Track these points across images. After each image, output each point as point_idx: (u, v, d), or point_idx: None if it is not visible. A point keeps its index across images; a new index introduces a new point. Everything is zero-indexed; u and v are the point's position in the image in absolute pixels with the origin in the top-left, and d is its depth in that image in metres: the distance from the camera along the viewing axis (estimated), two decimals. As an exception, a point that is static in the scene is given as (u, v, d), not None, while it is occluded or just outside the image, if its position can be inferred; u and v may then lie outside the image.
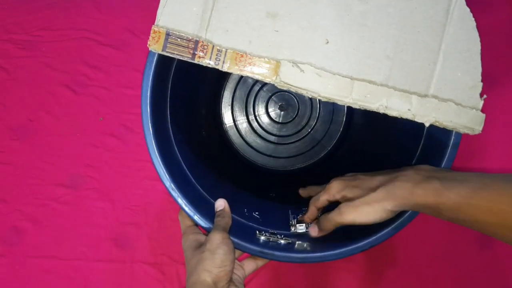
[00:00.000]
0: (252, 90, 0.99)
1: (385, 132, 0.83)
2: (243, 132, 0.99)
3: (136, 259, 0.93)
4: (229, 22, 0.58)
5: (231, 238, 0.62)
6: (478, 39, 0.58)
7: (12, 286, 0.91)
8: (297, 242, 0.65)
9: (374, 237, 0.63)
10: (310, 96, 0.59)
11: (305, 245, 0.65)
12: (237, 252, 0.66)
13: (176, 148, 0.69)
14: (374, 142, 0.88)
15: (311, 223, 0.70)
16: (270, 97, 0.98)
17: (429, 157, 0.67)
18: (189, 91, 0.81)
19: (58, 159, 0.96)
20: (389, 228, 0.63)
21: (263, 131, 0.99)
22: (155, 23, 0.58)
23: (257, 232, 0.67)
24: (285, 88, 0.59)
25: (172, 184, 0.63)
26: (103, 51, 0.99)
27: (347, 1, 0.58)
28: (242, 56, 0.58)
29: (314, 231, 0.66)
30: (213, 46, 0.58)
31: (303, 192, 0.77)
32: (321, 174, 0.77)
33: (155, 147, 0.63)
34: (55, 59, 0.99)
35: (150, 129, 0.62)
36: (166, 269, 0.93)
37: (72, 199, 0.95)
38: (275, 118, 0.99)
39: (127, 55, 0.99)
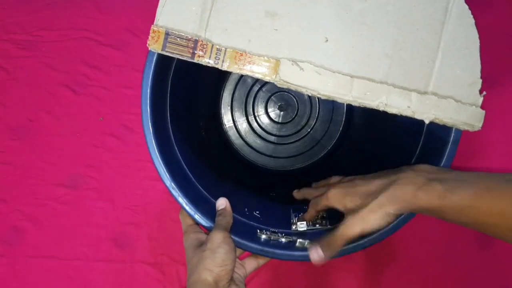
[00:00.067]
0: (252, 91, 0.99)
1: (385, 130, 0.83)
2: (242, 132, 0.99)
3: (136, 259, 0.93)
4: (228, 22, 0.58)
5: (232, 237, 0.62)
6: (477, 36, 0.58)
7: (12, 286, 0.91)
8: (298, 240, 0.65)
9: (375, 235, 0.63)
10: (310, 94, 0.59)
11: (306, 243, 0.64)
12: (238, 251, 0.66)
13: (176, 148, 0.69)
14: (373, 141, 0.88)
15: (313, 221, 0.70)
16: (270, 97, 0.99)
17: (429, 154, 0.67)
18: (189, 91, 0.81)
19: (58, 159, 0.96)
20: (390, 226, 0.63)
21: (262, 131, 0.99)
22: (154, 23, 0.58)
23: (258, 230, 0.67)
24: (284, 87, 0.59)
25: (172, 183, 0.63)
26: (103, 51, 0.99)
27: (346, 0, 0.58)
28: (241, 55, 0.58)
29: (317, 255, 0.59)
30: (213, 45, 0.58)
31: (297, 194, 0.76)
32: (321, 174, 0.76)
33: (155, 146, 0.63)
34: (55, 59, 0.99)
35: (150, 128, 0.62)
36: (166, 269, 0.92)
37: (72, 199, 0.95)
38: (275, 118, 0.99)
39: (127, 55, 1.00)
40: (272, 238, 0.66)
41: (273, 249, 0.64)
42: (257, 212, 0.71)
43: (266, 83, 0.98)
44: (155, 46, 0.58)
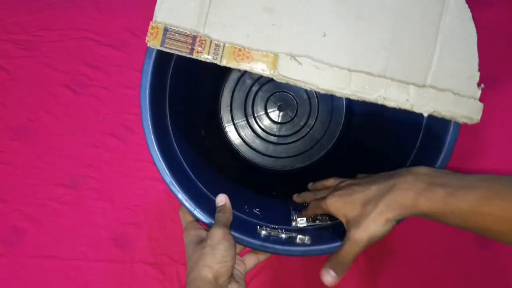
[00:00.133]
0: (251, 91, 0.99)
1: (384, 129, 0.83)
2: (242, 133, 0.99)
3: (136, 259, 0.93)
4: (227, 17, 0.58)
5: (232, 233, 0.62)
6: (474, 29, 0.58)
7: (12, 286, 0.91)
8: (298, 236, 0.65)
9: None
10: (309, 89, 0.59)
11: (306, 239, 0.65)
12: (238, 247, 0.66)
13: (175, 145, 0.69)
14: (373, 140, 0.88)
15: (312, 217, 0.70)
16: (269, 97, 0.99)
17: (427, 151, 0.67)
18: (188, 89, 0.81)
19: (58, 159, 0.96)
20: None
21: (262, 132, 0.99)
22: (153, 19, 0.58)
23: (258, 227, 0.67)
24: (283, 81, 0.59)
25: (172, 180, 0.63)
26: (103, 51, 1.00)
27: (343, -6, 0.59)
28: (240, 50, 0.58)
29: (330, 277, 0.59)
30: (211, 41, 0.58)
31: (297, 198, 0.76)
32: (321, 174, 0.76)
33: (154, 143, 0.63)
34: (55, 59, 0.99)
35: (149, 124, 0.62)
36: (166, 269, 0.92)
37: (72, 199, 0.95)
38: (274, 118, 0.99)
39: (127, 55, 1.00)
40: (272, 234, 0.66)
41: (273, 244, 0.64)
42: (257, 209, 0.71)
43: (265, 83, 0.98)
44: (154, 42, 0.58)
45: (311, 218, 0.69)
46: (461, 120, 0.60)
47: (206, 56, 0.58)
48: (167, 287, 0.92)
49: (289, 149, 1.00)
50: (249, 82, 0.98)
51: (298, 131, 0.99)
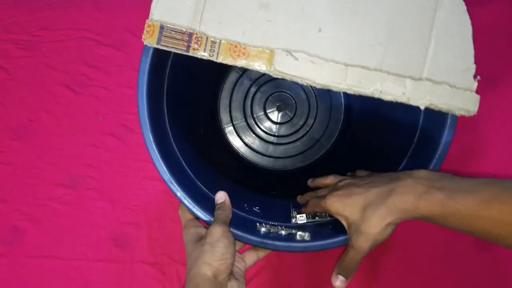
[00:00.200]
0: (249, 92, 0.99)
1: (383, 125, 0.84)
2: (242, 134, 0.99)
3: (136, 259, 0.92)
4: (222, 14, 0.59)
5: (231, 230, 0.62)
6: (469, 22, 0.59)
7: (12, 286, 0.91)
8: (298, 233, 0.65)
9: None
10: (305, 84, 0.59)
11: (306, 235, 0.65)
12: (238, 245, 0.66)
13: (174, 144, 0.69)
14: (372, 138, 0.88)
15: (312, 214, 0.70)
16: (267, 98, 0.99)
17: (424, 148, 0.68)
18: (186, 90, 0.81)
19: (58, 159, 0.96)
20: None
21: (261, 132, 0.99)
22: (149, 17, 0.58)
23: (258, 224, 0.67)
24: (280, 77, 0.59)
25: (171, 178, 0.63)
26: (103, 51, 1.00)
27: (338, -11, 0.59)
28: (236, 46, 0.58)
29: (339, 281, 0.61)
30: (207, 38, 0.58)
31: (301, 199, 0.76)
32: (321, 173, 0.76)
33: (152, 140, 0.63)
34: (55, 59, 0.99)
35: (147, 122, 0.63)
36: (166, 269, 0.92)
37: (72, 199, 0.95)
38: (273, 118, 0.99)
39: (127, 55, 1.00)
40: (272, 231, 0.66)
41: (273, 241, 0.64)
42: (257, 207, 0.71)
43: (263, 84, 0.99)
44: (150, 40, 0.58)
45: (311, 215, 0.70)
46: (458, 112, 0.60)
47: (202, 53, 0.58)
48: (167, 287, 0.92)
49: (289, 149, 1.00)
50: (247, 83, 0.99)
51: (297, 131, 0.99)
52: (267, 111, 0.99)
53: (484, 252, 0.93)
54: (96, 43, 1.00)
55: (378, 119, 0.84)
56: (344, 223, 0.61)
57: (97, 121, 0.97)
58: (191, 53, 0.58)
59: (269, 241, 0.64)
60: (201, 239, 0.60)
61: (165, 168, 0.63)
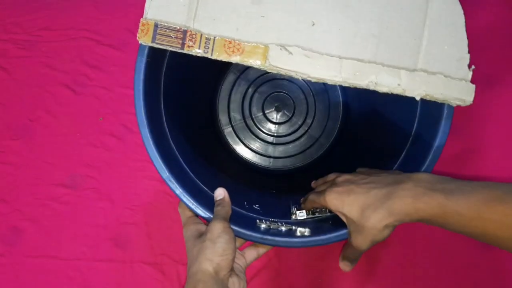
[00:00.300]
0: (247, 93, 0.99)
1: (380, 123, 0.83)
2: (241, 135, 0.99)
3: (136, 259, 0.92)
4: (216, 11, 0.59)
5: (231, 227, 0.61)
6: (462, 12, 0.59)
7: (12, 286, 0.92)
8: (298, 229, 0.65)
9: None
10: (301, 78, 0.59)
11: (306, 231, 0.65)
12: (239, 241, 0.66)
13: (172, 143, 0.69)
14: (370, 136, 0.88)
15: (312, 210, 0.70)
16: (266, 98, 0.99)
17: (420, 146, 0.68)
18: (183, 90, 0.82)
19: (58, 159, 0.96)
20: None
21: (261, 133, 0.99)
22: (143, 16, 0.59)
23: (258, 220, 0.67)
24: (275, 72, 0.59)
25: (169, 176, 0.63)
26: (103, 51, 1.00)
27: (329, -17, 0.59)
28: (230, 43, 0.58)
29: (345, 265, 0.65)
30: (202, 35, 0.58)
31: (303, 199, 0.76)
32: (321, 172, 0.76)
33: (149, 137, 0.63)
34: (55, 59, 0.99)
35: (144, 120, 0.63)
36: (166, 269, 0.92)
37: (72, 199, 0.95)
38: (272, 118, 0.99)
39: (127, 55, 1.00)
40: (272, 227, 0.66)
41: (273, 237, 0.64)
42: (257, 205, 0.71)
43: (261, 85, 0.99)
44: (145, 38, 0.58)
45: (311, 211, 0.70)
46: (454, 102, 0.61)
47: (197, 50, 0.58)
48: (167, 287, 0.91)
49: (288, 149, 0.99)
50: (245, 84, 0.99)
51: (296, 131, 0.99)
52: (266, 112, 0.99)
53: (485, 251, 0.93)
54: (96, 43, 1.00)
55: (376, 116, 0.84)
56: (343, 218, 0.61)
57: (97, 121, 0.97)
58: (186, 50, 0.58)
59: (269, 237, 0.63)
60: (201, 235, 0.60)
61: (163, 166, 0.63)
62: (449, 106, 0.63)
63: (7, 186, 0.95)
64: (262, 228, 0.66)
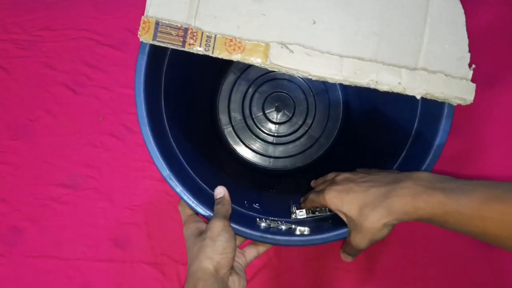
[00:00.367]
0: (248, 93, 1.00)
1: (380, 122, 0.83)
2: (241, 135, 0.99)
3: (136, 259, 0.92)
4: (217, 9, 0.59)
5: (232, 225, 0.61)
6: (462, 10, 0.59)
7: (12, 286, 0.91)
8: (298, 228, 0.65)
9: None
10: (301, 76, 0.60)
11: (306, 230, 0.65)
12: (239, 240, 0.66)
13: (173, 142, 0.69)
14: (370, 136, 0.88)
15: (312, 209, 0.70)
16: (266, 98, 0.99)
17: (420, 145, 0.68)
18: (184, 89, 0.82)
19: (58, 159, 0.96)
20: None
21: (261, 132, 0.99)
22: (145, 14, 0.59)
23: (258, 219, 0.67)
24: (276, 70, 0.59)
25: (170, 174, 0.63)
26: (103, 51, 1.00)
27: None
28: (231, 40, 0.58)
29: (346, 257, 0.66)
30: (203, 33, 0.58)
31: (303, 199, 0.76)
32: (321, 172, 0.76)
33: (150, 136, 0.63)
34: (55, 59, 0.99)
35: (145, 118, 0.63)
36: (166, 269, 0.92)
37: (72, 199, 0.95)
38: (272, 119, 0.99)
39: (127, 55, 1.00)
40: (272, 226, 0.66)
41: (273, 235, 0.64)
42: (257, 204, 0.71)
43: (261, 85, 0.99)
44: (146, 36, 0.58)
45: (311, 210, 0.70)
46: (455, 101, 0.61)
47: (198, 48, 0.58)
48: (167, 287, 0.91)
49: (289, 149, 0.99)
50: (245, 84, 0.99)
51: (296, 131, 0.99)
52: (266, 112, 0.99)
53: (486, 251, 0.92)
54: (96, 43, 1.00)
55: (376, 115, 0.84)
56: (342, 217, 0.62)
57: (97, 121, 0.97)
58: (187, 48, 0.58)
59: (269, 236, 0.64)
60: (201, 233, 0.60)
61: (163, 164, 0.63)
62: (450, 105, 0.63)
63: (7, 186, 0.95)
64: (262, 227, 0.66)
